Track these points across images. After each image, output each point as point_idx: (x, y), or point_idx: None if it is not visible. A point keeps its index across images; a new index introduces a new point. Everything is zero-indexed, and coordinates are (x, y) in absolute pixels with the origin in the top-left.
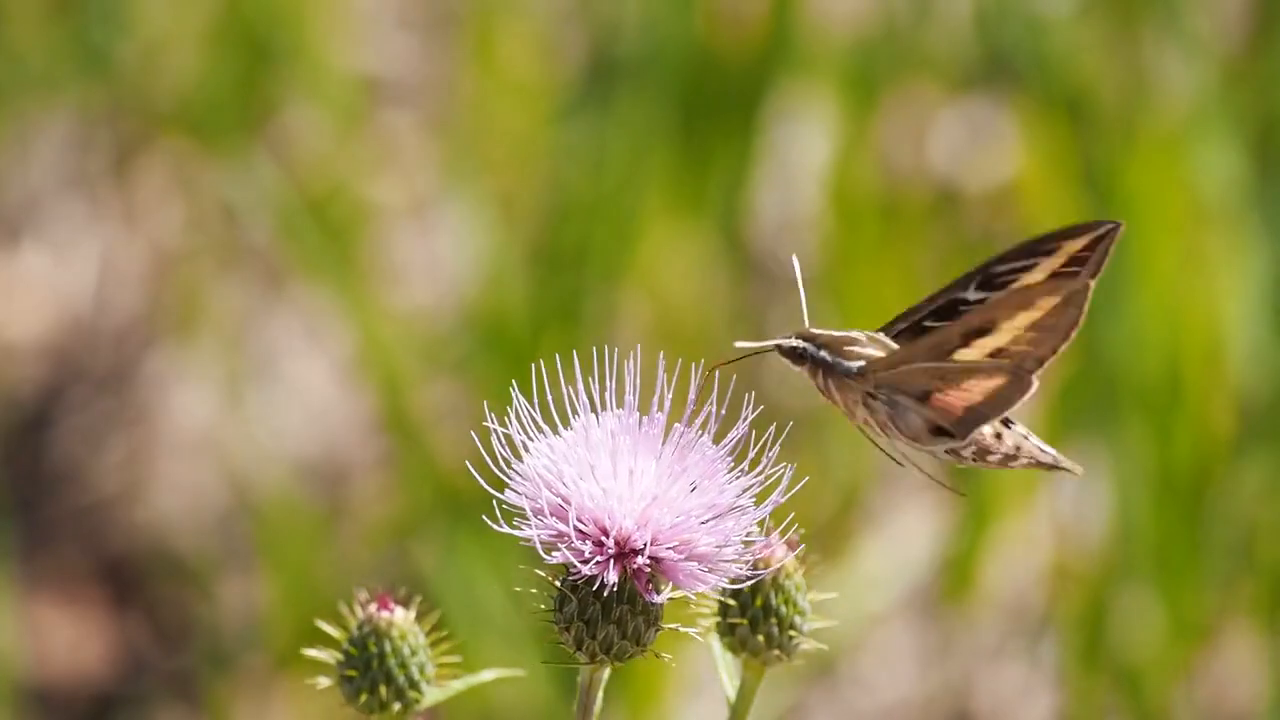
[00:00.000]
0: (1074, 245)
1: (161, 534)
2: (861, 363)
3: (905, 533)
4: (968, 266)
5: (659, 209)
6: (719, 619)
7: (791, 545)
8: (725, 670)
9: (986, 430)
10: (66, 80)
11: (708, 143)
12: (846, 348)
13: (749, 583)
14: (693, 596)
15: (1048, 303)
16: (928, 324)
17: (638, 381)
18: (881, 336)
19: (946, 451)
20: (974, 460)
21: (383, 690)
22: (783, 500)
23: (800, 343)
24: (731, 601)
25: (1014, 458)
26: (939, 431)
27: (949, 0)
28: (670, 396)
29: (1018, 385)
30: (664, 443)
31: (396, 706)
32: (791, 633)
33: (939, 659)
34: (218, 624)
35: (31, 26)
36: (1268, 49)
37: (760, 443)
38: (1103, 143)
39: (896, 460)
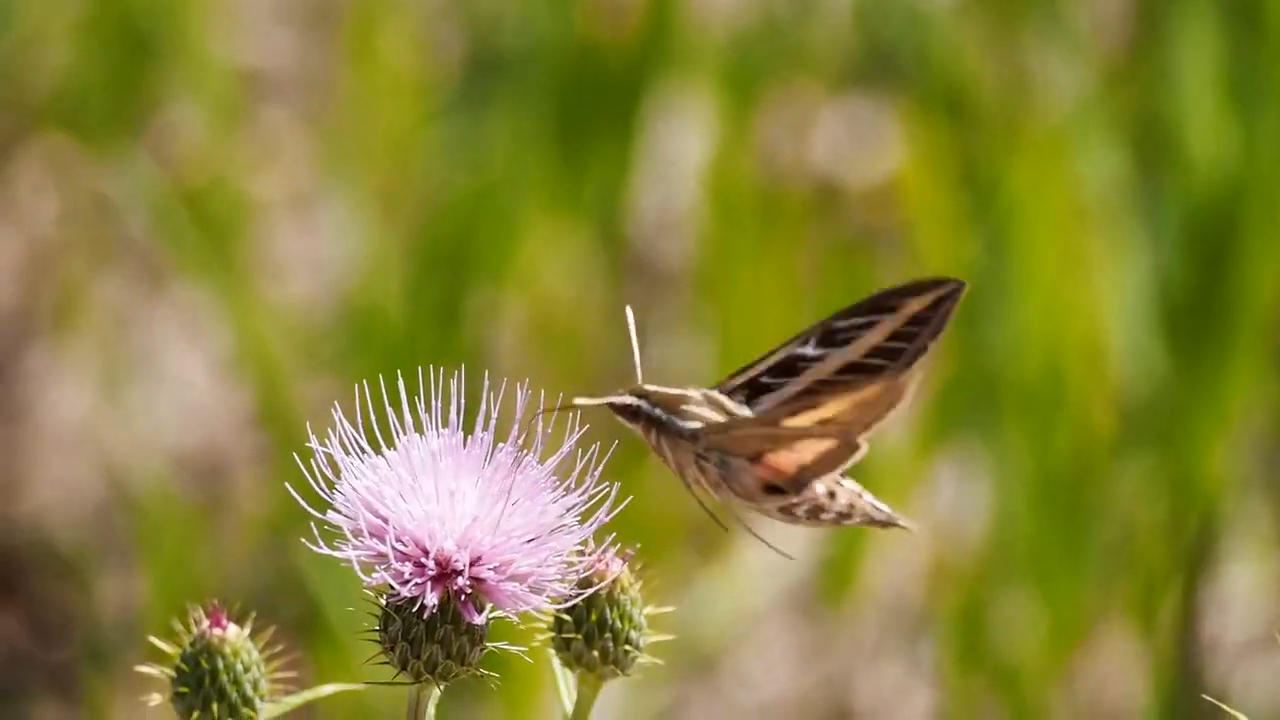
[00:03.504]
0: (916, 304)
1: (39, 528)
2: (697, 424)
3: (785, 530)
4: (847, 264)
5: (538, 207)
6: (555, 634)
7: (624, 559)
8: (565, 684)
9: (820, 489)
10: None
11: (587, 140)
12: (681, 406)
13: (581, 599)
14: (514, 617)
15: (871, 392)
16: (765, 380)
17: (463, 401)
18: (716, 395)
19: (780, 510)
20: (807, 519)
21: (214, 707)
22: (607, 519)
23: (634, 400)
24: (567, 617)
25: (848, 516)
26: (772, 489)
27: None
28: (495, 417)
29: (846, 449)
30: (487, 463)
31: None
32: (627, 647)
33: (818, 657)
34: (96, 618)
35: None
36: (1149, 49)
37: (586, 460)
38: (984, 141)
39: (722, 524)
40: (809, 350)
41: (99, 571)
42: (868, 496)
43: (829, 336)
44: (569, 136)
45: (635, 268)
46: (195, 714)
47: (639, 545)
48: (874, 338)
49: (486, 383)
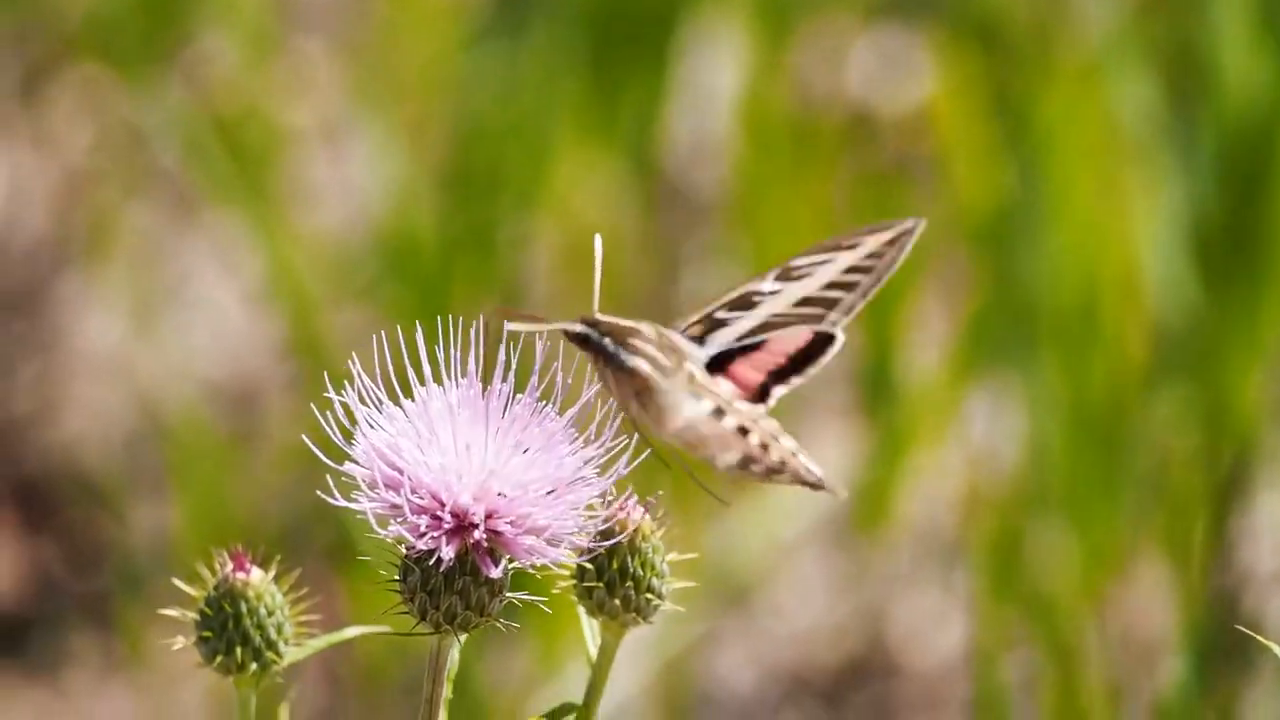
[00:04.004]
0: (874, 241)
1: (73, 457)
2: (641, 360)
3: (818, 460)
4: (880, 193)
5: (571, 135)
6: (577, 583)
7: (646, 507)
8: (589, 630)
9: (753, 440)
10: None
11: (621, 68)
12: (630, 340)
13: (603, 548)
14: (532, 569)
15: (801, 340)
16: (720, 315)
17: (482, 351)
18: (669, 333)
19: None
20: (739, 468)
21: (238, 652)
22: (625, 472)
23: (584, 329)
24: (588, 566)
25: (779, 471)
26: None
27: None
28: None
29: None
30: (504, 415)
31: (254, 667)
32: (649, 595)
33: (852, 587)
34: (129, 546)
35: None
36: None
37: (605, 410)
38: (1017, 70)
39: (664, 461)
40: (765, 286)
41: (131, 500)
42: (803, 456)
43: (787, 273)
44: (603, 64)
45: (668, 196)
46: (219, 658)
47: (661, 492)
48: (830, 272)
49: (520, 324)
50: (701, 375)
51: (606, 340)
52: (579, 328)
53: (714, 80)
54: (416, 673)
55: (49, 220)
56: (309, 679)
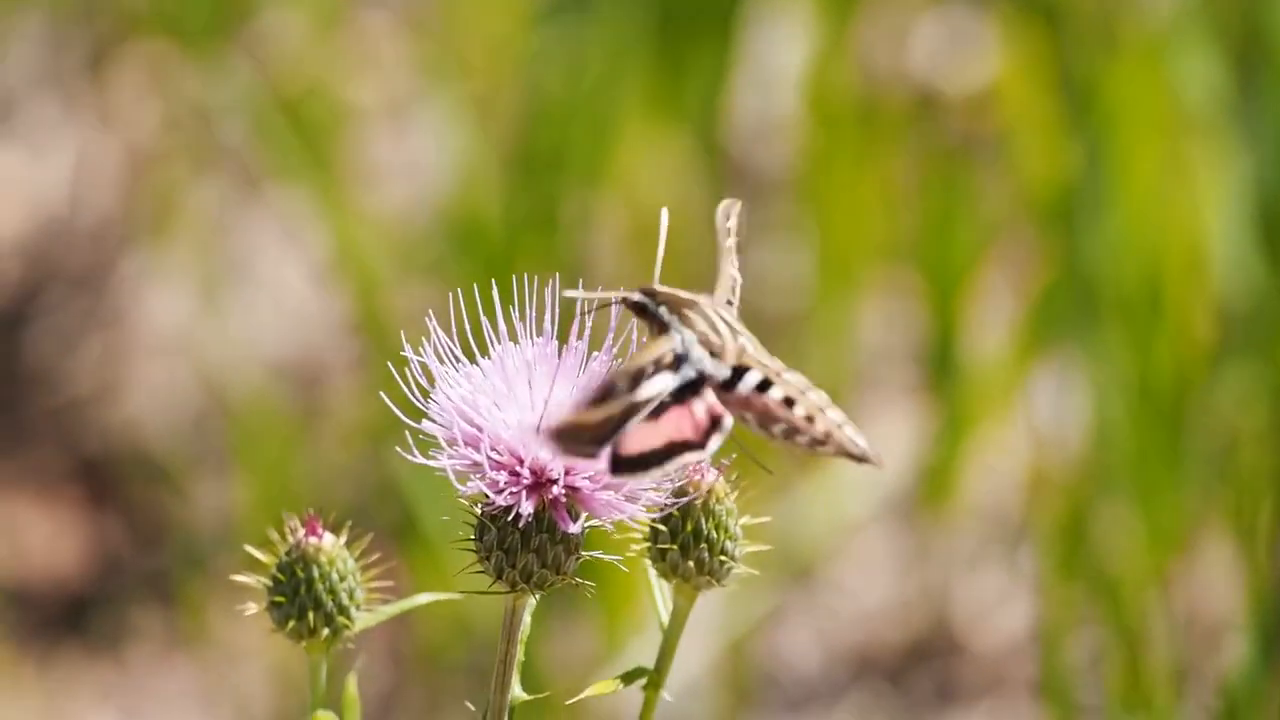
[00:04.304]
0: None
1: (137, 434)
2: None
3: (884, 439)
4: (945, 172)
5: (637, 113)
6: (650, 545)
7: (720, 470)
8: (660, 594)
9: (799, 411)
10: None
11: (686, 46)
12: (685, 310)
13: (676, 508)
14: (609, 526)
15: None
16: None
17: (557, 310)
18: (723, 310)
19: (758, 426)
20: (784, 439)
21: (310, 616)
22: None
23: (642, 297)
24: (662, 527)
25: (822, 443)
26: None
27: None
28: (590, 324)
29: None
30: (581, 372)
31: (325, 632)
32: (722, 557)
33: (917, 565)
34: (192, 524)
35: None
36: None
37: None
38: (1083, 49)
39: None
40: None
41: (194, 478)
42: (849, 429)
43: None
44: (668, 42)
45: (733, 174)
46: (291, 623)
47: (735, 456)
48: None
49: (580, 290)
50: (754, 348)
51: (662, 309)
52: (636, 296)
53: (779, 58)
54: (478, 654)
55: (115, 198)
56: (373, 658)
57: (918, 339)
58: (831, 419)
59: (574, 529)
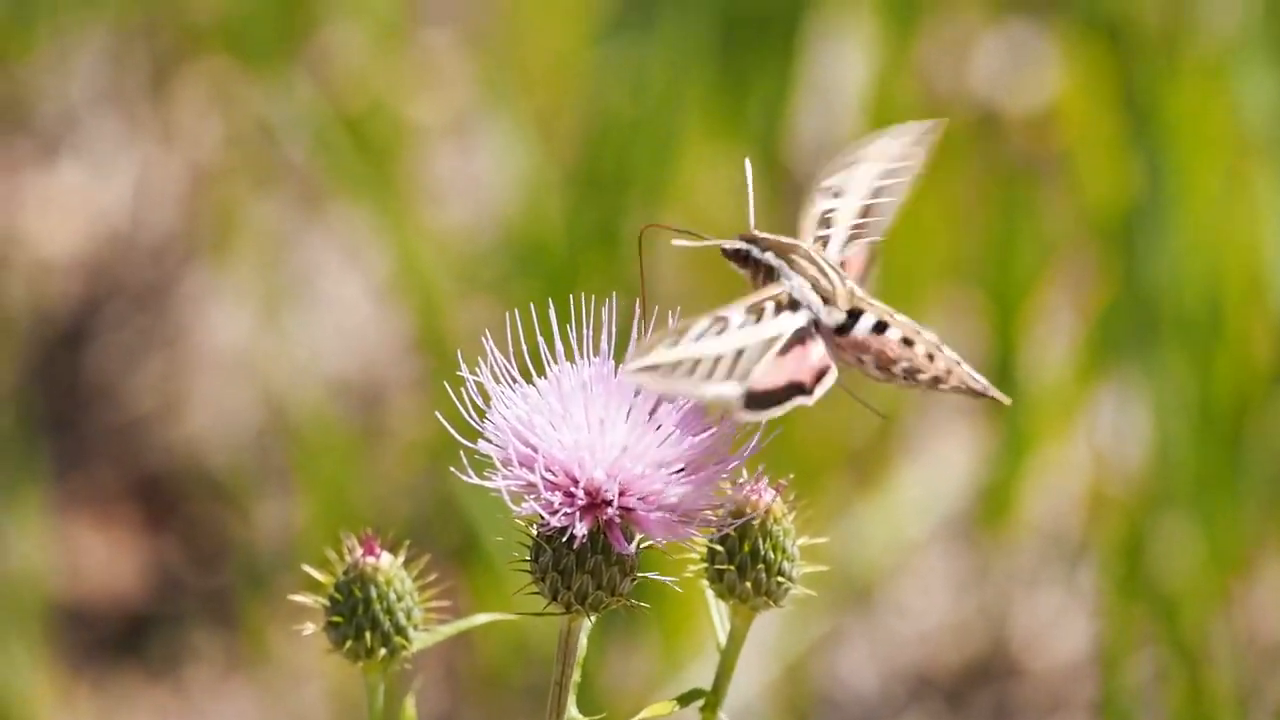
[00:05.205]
0: (899, 144)
1: (197, 453)
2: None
3: (943, 459)
4: (1008, 191)
5: (698, 130)
6: (707, 565)
7: (777, 490)
8: (718, 615)
9: (919, 350)
10: None
11: (748, 63)
12: (791, 255)
13: (733, 529)
14: (663, 546)
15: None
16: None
17: (614, 330)
18: (820, 254)
19: (877, 369)
20: (904, 378)
21: (367, 636)
22: (755, 451)
23: (743, 244)
24: (719, 548)
25: (943, 380)
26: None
27: None
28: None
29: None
30: (638, 393)
31: (382, 653)
32: (779, 578)
33: (976, 585)
34: (253, 544)
35: None
36: None
37: None
38: (1145, 68)
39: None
40: (823, 205)
41: (255, 497)
42: (966, 365)
43: (829, 191)
44: (730, 59)
45: (795, 191)
46: (348, 643)
47: (793, 475)
48: (862, 185)
49: (638, 311)
50: (861, 291)
51: (769, 254)
52: (739, 244)
53: (840, 75)
54: (537, 675)
55: (176, 215)
56: (430, 679)
57: (979, 357)
58: (950, 355)
59: (629, 550)
